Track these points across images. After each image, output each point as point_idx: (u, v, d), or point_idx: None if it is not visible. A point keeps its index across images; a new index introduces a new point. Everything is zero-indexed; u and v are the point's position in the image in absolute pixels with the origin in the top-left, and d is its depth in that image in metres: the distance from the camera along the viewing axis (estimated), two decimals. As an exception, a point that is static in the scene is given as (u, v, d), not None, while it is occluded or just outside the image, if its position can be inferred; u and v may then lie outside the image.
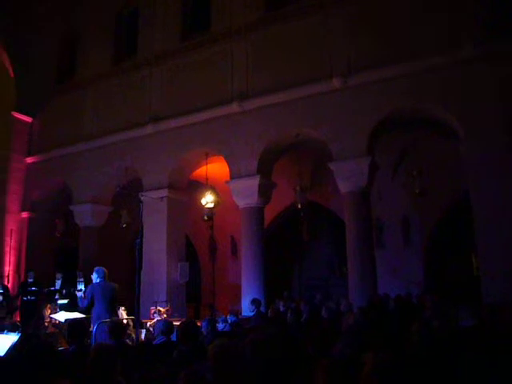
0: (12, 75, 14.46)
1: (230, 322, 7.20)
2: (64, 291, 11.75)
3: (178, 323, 5.12)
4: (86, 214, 13.42)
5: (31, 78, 14.65)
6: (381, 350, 2.43)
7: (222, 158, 11.38)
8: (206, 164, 11.71)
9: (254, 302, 8.53)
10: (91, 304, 7.10)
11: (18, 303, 11.85)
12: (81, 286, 11.69)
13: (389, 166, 12.39)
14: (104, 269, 7.43)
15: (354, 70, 9.66)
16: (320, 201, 14.15)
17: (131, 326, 7.30)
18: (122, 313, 7.83)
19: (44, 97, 14.79)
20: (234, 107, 10.97)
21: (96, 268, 7.51)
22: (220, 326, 6.87)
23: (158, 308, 9.05)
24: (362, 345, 3.30)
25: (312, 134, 10.54)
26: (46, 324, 9.38)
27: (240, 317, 8.50)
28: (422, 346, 3.22)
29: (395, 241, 13.04)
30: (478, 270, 9.94)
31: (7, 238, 13.62)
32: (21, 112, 14.60)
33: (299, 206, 12.96)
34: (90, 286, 7.33)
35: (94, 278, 7.33)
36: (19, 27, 14.33)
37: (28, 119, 14.82)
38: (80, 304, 7.42)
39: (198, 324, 6.17)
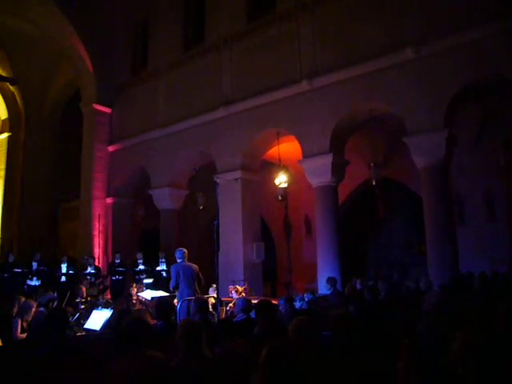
0: (92, 70, 15.31)
1: (307, 300, 7.29)
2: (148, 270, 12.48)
3: (255, 301, 5.26)
4: (164, 198, 14.04)
5: (109, 71, 15.49)
6: (470, 329, 2.36)
7: (293, 137, 11.35)
8: (278, 144, 11.73)
9: (330, 280, 8.55)
10: (177, 284, 7.46)
11: (108, 283, 12.75)
12: (163, 266, 12.37)
13: (470, 138, 11.68)
14: (183, 250, 7.76)
15: (429, 37, 9.13)
16: (395, 177, 13.69)
17: (214, 304, 7.61)
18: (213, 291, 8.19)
19: (121, 88, 15.59)
20: (304, 85, 10.85)
21: (177, 249, 7.88)
22: (297, 304, 6.99)
23: (237, 287, 9.31)
24: (446, 324, 3.21)
25: (385, 109, 10.18)
26: (134, 302, 10.00)
27: (317, 295, 8.56)
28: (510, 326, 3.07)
29: (478, 216, 12.32)
30: None
31: (95, 223, 14.66)
32: (101, 104, 15.48)
33: (374, 183, 12.68)
34: (173, 267, 7.68)
35: (177, 258, 7.71)
36: (95, 24, 15.08)
37: (108, 110, 15.69)
38: (170, 285, 7.75)
39: (275, 302, 6.32)
